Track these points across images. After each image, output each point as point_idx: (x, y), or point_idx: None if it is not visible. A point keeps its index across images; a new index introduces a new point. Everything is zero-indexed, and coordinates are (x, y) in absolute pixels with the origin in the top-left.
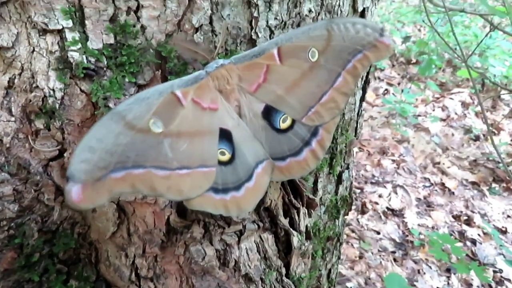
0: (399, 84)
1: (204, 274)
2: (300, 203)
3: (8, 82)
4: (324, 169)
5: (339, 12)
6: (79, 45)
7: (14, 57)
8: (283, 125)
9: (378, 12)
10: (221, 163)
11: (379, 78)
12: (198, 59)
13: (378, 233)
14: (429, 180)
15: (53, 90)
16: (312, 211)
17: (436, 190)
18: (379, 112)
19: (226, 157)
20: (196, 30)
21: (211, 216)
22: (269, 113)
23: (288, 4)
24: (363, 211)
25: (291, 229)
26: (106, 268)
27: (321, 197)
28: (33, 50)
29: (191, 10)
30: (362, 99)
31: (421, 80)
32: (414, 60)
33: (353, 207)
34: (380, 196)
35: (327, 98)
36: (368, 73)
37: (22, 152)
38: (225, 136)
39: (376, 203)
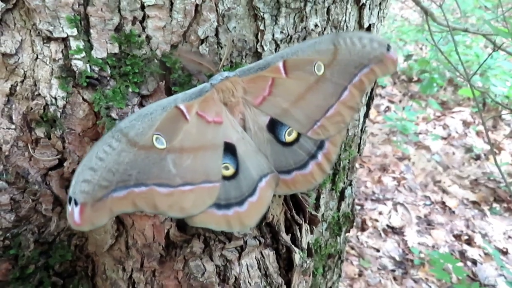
0: (400, 101)
1: None
2: (303, 219)
3: (10, 89)
4: (327, 185)
5: (345, 27)
6: (83, 54)
7: (17, 64)
8: (289, 138)
9: (380, 30)
10: (224, 178)
11: (380, 95)
12: (202, 71)
13: (378, 250)
14: (430, 198)
15: (55, 99)
16: (314, 227)
17: (436, 209)
18: (380, 129)
19: (230, 171)
20: (202, 41)
21: (211, 231)
22: (274, 126)
23: (294, 18)
24: (363, 228)
25: (293, 245)
26: (103, 282)
27: (323, 214)
28: (37, 58)
29: (197, 22)
30: (366, 115)
31: (422, 98)
32: (415, 78)
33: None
34: (380, 213)
35: (333, 111)
36: (372, 90)
37: (21, 160)
38: (229, 150)
39: (376, 220)
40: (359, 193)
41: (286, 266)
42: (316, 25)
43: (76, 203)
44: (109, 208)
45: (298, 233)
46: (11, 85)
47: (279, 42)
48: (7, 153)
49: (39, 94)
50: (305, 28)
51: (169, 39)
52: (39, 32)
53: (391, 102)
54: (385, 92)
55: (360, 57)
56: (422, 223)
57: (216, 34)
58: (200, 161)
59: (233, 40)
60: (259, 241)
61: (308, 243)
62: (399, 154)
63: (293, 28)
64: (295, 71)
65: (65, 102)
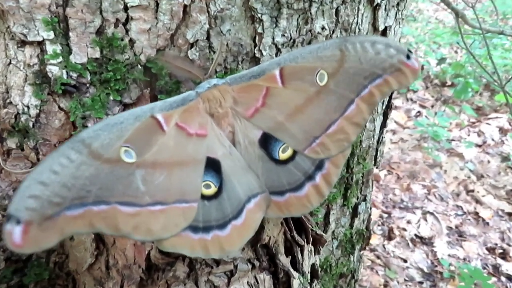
0: (432, 106)
1: None
2: (305, 239)
3: None
4: (338, 200)
5: (356, 30)
6: (60, 59)
7: None
8: (283, 156)
9: (413, 32)
10: (204, 197)
11: (411, 99)
12: (191, 78)
13: (405, 261)
14: (462, 208)
15: (28, 107)
16: (320, 247)
17: (469, 220)
18: (411, 134)
19: (212, 190)
20: (191, 45)
21: None
22: (267, 141)
23: (297, 20)
24: (389, 237)
25: (291, 270)
26: None
27: (333, 231)
28: (10, 63)
29: (186, 24)
30: (383, 125)
31: (456, 104)
32: (449, 83)
33: (380, 232)
34: (408, 222)
35: (336, 128)
36: (390, 97)
37: None
38: (212, 166)
39: (404, 230)
40: (386, 200)
41: None
42: (323, 28)
43: (17, 222)
44: (59, 228)
45: (299, 256)
46: None
47: (280, 46)
48: None
49: (11, 102)
50: (310, 31)
51: (155, 42)
52: (13, 36)
53: (423, 107)
54: (417, 96)
55: (372, 65)
56: (453, 234)
57: (208, 38)
58: (175, 178)
59: (227, 44)
60: (254, 264)
61: (314, 264)
62: (430, 161)
63: (296, 31)
64: (294, 80)
65: (38, 111)
